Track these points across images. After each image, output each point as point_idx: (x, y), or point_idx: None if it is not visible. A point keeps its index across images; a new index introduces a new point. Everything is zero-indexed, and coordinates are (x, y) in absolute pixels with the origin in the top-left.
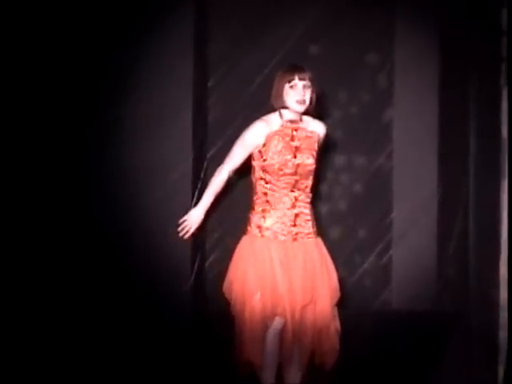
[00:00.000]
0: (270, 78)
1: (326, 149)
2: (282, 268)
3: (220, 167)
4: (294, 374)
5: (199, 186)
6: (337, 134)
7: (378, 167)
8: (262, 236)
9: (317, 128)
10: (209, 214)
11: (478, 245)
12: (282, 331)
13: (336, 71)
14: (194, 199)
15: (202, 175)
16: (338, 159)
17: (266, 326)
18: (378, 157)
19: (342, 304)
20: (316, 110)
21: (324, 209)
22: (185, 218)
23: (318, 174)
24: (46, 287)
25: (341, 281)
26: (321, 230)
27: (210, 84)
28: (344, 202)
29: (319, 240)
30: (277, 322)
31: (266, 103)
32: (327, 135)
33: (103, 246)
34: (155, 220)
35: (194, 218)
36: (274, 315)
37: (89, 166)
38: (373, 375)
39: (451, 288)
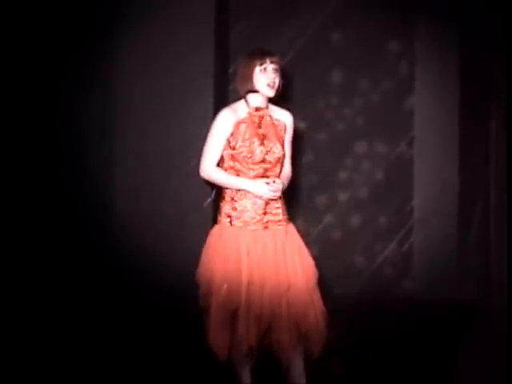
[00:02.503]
0: (291, 65)
1: (346, 136)
2: (250, 259)
3: (207, 169)
4: (300, 375)
5: None
6: (358, 121)
7: (399, 155)
8: (232, 225)
9: (283, 117)
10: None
11: (498, 233)
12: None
13: (357, 59)
14: (215, 188)
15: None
16: (359, 146)
17: (232, 319)
18: (399, 144)
19: (361, 291)
20: (282, 95)
21: (344, 196)
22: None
23: (339, 162)
24: (61, 274)
25: (359, 267)
26: (340, 218)
27: (230, 71)
28: (365, 190)
29: (290, 226)
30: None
31: (286, 90)
32: (295, 126)
33: (120, 232)
34: (174, 207)
35: (264, 187)
36: (236, 308)
37: (108, 152)
38: (393, 363)
39: (472, 276)
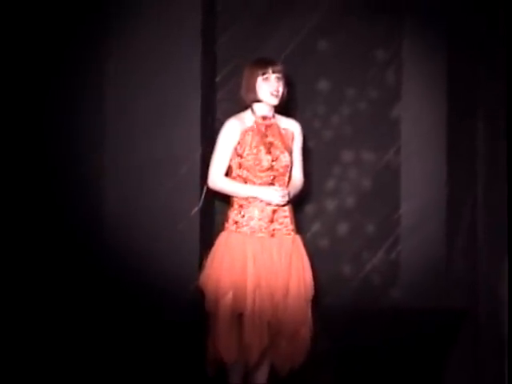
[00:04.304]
0: None
1: (333, 144)
2: (256, 266)
3: (215, 179)
4: (262, 374)
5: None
6: (345, 129)
7: (387, 163)
8: (239, 232)
9: (290, 126)
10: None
11: (486, 240)
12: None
13: (344, 67)
14: (203, 194)
15: None
16: (346, 155)
17: (238, 324)
18: (387, 153)
19: (349, 300)
20: (288, 104)
21: (332, 204)
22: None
23: (326, 170)
24: (51, 281)
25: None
26: (328, 226)
27: (218, 79)
28: (352, 198)
29: (297, 237)
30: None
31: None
32: (304, 135)
33: (109, 239)
34: (163, 215)
35: (273, 193)
36: (241, 313)
37: (96, 160)
38: (381, 371)
39: (460, 284)
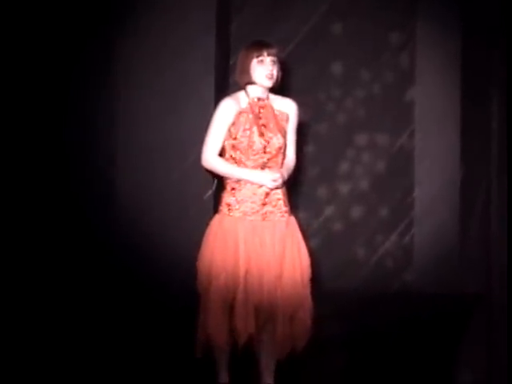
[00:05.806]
0: (292, 56)
1: (347, 127)
2: (247, 249)
3: (208, 158)
4: (268, 361)
5: None
6: (359, 112)
7: (400, 146)
8: (231, 215)
9: (286, 106)
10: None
11: (499, 224)
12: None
13: (358, 50)
14: (215, 180)
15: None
16: (360, 138)
17: (229, 307)
18: (400, 136)
19: (362, 284)
20: (282, 85)
21: (346, 188)
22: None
23: (340, 153)
24: (63, 264)
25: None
26: (341, 210)
27: (231, 62)
28: (366, 181)
29: (291, 219)
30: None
31: (286, 81)
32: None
33: (122, 224)
34: (175, 199)
35: (265, 176)
36: (234, 297)
37: (108, 145)
38: (393, 355)
39: (473, 268)
